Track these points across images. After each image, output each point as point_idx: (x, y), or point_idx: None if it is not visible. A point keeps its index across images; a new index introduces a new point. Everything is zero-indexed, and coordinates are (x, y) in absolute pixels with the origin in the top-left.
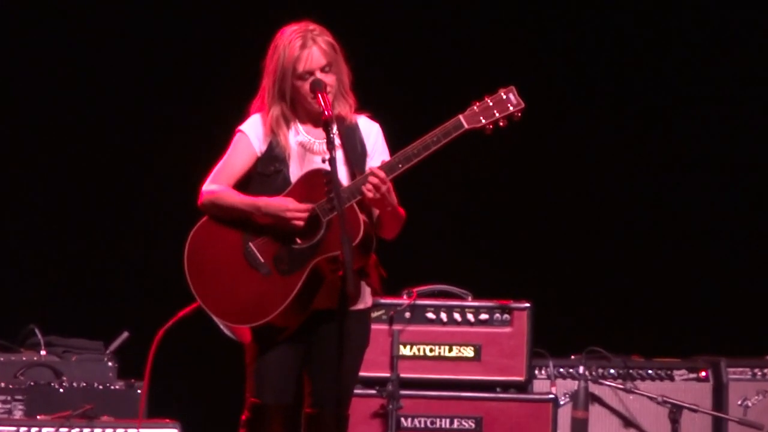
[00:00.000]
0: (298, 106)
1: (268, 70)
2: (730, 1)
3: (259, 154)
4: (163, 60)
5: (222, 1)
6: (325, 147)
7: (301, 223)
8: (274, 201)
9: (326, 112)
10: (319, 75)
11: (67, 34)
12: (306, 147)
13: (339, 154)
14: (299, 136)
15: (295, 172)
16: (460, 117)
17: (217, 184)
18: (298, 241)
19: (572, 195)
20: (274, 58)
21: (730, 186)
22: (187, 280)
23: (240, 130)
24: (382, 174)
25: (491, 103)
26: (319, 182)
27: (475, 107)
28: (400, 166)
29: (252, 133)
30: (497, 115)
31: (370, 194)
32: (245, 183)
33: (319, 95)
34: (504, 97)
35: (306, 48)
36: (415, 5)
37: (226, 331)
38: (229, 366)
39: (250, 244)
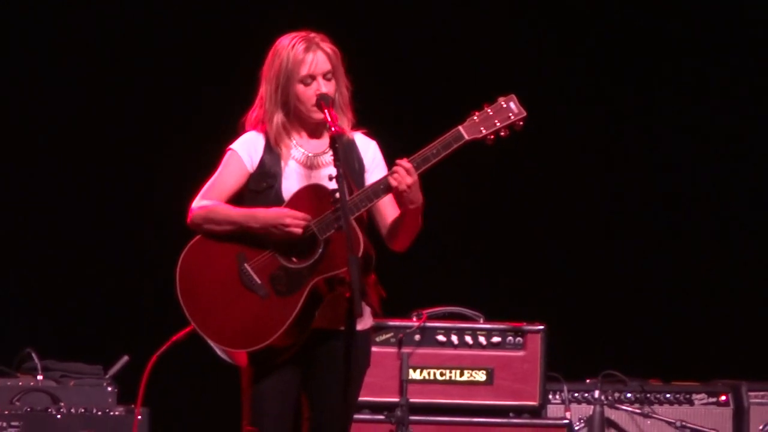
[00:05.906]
0: (294, 115)
1: (268, 76)
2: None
3: (251, 171)
4: (148, 91)
5: (220, 16)
6: (324, 161)
7: (299, 230)
8: (271, 210)
9: (333, 128)
10: (321, 81)
11: (66, 48)
12: (302, 162)
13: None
14: (294, 150)
15: (289, 188)
16: (460, 128)
17: (208, 200)
18: (296, 260)
19: (588, 216)
20: (275, 63)
21: (750, 208)
22: (180, 303)
23: (231, 149)
24: (408, 165)
25: (491, 113)
26: (313, 198)
27: (475, 117)
28: None
29: (243, 151)
30: (498, 124)
31: (395, 183)
32: (236, 202)
33: (326, 111)
34: (504, 105)
35: (310, 52)
36: (410, 13)
37: (221, 354)
38: (233, 390)
39: (246, 264)
